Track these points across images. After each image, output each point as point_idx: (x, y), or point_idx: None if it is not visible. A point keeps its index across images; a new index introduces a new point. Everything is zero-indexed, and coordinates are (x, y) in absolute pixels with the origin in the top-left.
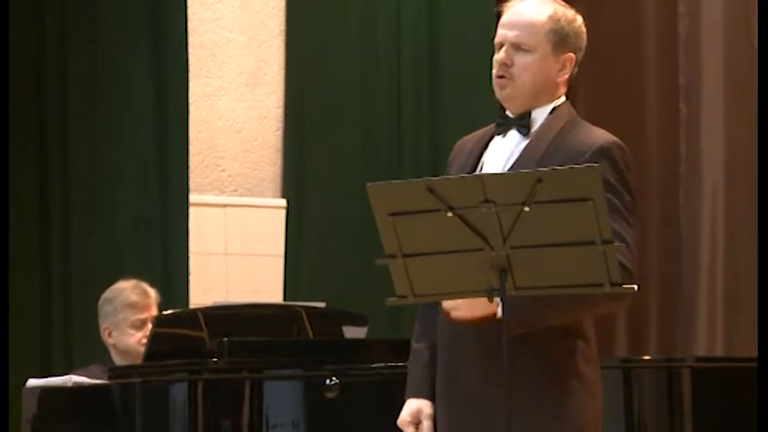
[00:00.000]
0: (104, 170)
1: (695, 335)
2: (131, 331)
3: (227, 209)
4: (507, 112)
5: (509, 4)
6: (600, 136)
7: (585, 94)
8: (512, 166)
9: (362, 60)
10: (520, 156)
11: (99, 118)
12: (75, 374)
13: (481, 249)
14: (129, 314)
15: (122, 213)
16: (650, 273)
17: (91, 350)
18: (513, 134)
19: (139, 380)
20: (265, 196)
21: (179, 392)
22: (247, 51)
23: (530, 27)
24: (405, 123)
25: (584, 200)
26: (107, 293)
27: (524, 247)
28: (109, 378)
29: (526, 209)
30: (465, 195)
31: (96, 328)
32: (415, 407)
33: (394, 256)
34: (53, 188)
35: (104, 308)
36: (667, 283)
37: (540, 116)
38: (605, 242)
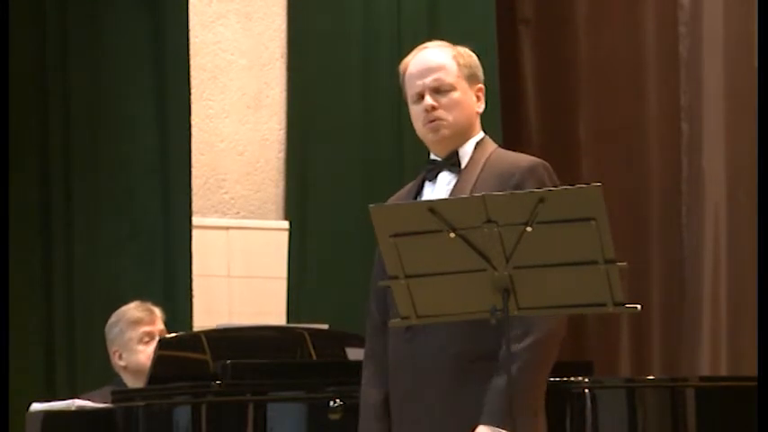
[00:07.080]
0: (107, 193)
1: (699, 354)
2: (140, 347)
3: (230, 231)
4: (433, 157)
5: (408, 59)
6: (525, 158)
7: (587, 114)
8: None
9: (364, 82)
10: (452, 191)
11: (101, 142)
12: (88, 397)
13: (484, 270)
14: (135, 331)
15: (125, 236)
16: (653, 292)
17: (94, 376)
18: (444, 175)
19: (143, 403)
20: (268, 218)
21: (182, 415)
22: (249, 74)
23: (443, 68)
24: (406, 144)
25: (587, 219)
26: (111, 318)
27: (527, 267)
28: (112, 401)
29: (528, 229)
30: (467, 216)
31: (100, 353)
32: None
33: (397, 278)
34: (55, 212)
35: (111, 331)
36: (670, 303)
37: (466, 153)
38: (608, 262)
